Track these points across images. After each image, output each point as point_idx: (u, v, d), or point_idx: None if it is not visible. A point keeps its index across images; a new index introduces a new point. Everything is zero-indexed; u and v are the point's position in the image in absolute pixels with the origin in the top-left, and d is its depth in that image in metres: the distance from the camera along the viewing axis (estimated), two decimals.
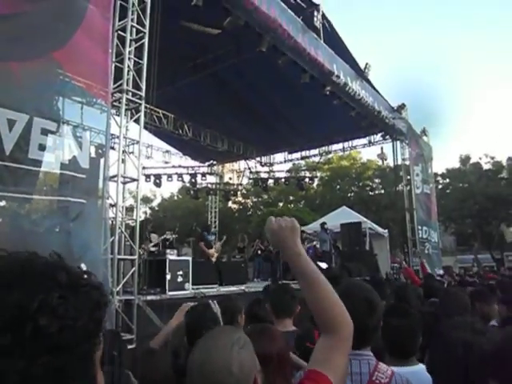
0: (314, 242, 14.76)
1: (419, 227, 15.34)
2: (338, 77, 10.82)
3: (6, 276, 0.59)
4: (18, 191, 4.78)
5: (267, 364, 1.30)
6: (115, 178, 6.32)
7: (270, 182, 20.99)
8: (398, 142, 16.45)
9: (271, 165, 20.93)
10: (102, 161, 6.13)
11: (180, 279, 7.84)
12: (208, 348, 1.12)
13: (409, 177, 16.07)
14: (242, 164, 21.45)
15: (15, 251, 0.64)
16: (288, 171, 22.67)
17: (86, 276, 0.68)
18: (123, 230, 6.46)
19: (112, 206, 6.28)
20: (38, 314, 0.57)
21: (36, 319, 0.56)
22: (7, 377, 0.53)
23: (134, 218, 6.94)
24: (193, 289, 8.02)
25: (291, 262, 1.27)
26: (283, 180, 20.98)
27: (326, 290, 1.23)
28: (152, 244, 9.46)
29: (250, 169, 20.87)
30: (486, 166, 31.99)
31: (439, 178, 32.48)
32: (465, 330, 1.67)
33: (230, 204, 32.36)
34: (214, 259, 11.22)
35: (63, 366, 0.58)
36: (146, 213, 37.44)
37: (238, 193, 24.13)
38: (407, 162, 16.37)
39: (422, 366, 2.10)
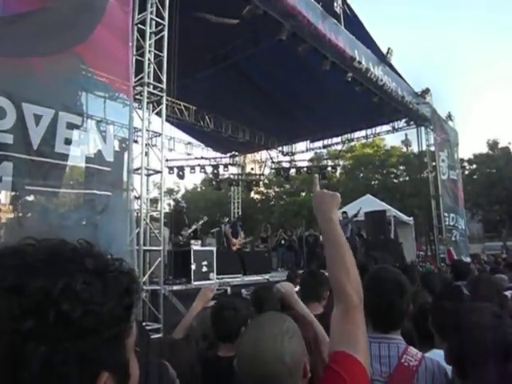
0: None
1: (446, 214, 15.02)
2: (359, 62, 10.64)
3: (32, 262, 0.59)
4: (45, 185, 4.89)
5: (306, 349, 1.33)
6: (139, 171, 6.41)
7: (292, 171, 20.88)
8: (423, 128, 16.14)
9: (293, 154, 20.82)
10: (125, 154, 6.21)
11: (205, 269, 7.92)
12: (258, 338, 1.11)
13: (434, 163, 15.72)
14: (263, 154, 21.42)
15: (44, 238, 0.65)
16: (310, 160, 22.60)
17: (115, 262, 0.68)
18: (148, 221, 6.56)
19: (137, 198, 6.37)
20: (61, 299, 0.57)
21: (59, 304, 0.56)
22: (30, 360, 0.54)
23: (159, 209, 7.03)
24: (217, 278, 8.10)
25: (322, 223, 1.37)
26: (305, 169, 20.87)
27: (344, 256, 1.29)
28: (191, 230, 9.56)
29: (271, 159, 20.82)
30: None
31: (466, 164, 31.79)
32: (485, 314, 1.64)
33: (252, 194, 32.43)
34: (234, 248, 11.35)
35: (87, 352, 0.58)
36: (169, 205, 37.85)
37: (260, 183, 24.12)
38: (432, 148, 16.03)
39: None
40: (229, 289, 7.18)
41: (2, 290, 0.56)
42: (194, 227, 9.92)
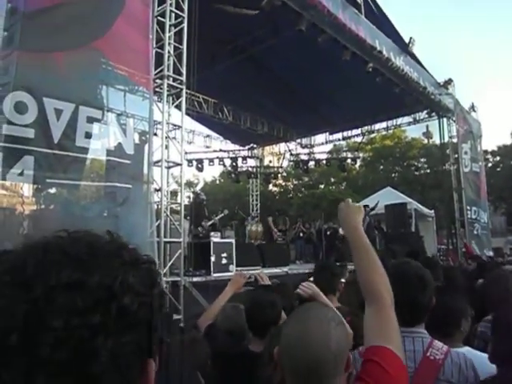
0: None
1: (468, 207, 14.73)
2: (380, 52, 10.45)
3: (79, 258, 0.60)
4: (66, 178, 4.95)
5: None
6: (159, 163, 6.44)
7: (311, 163, 20.70)
8: (445, 119, 15.78)
9: (312, 146, 20.65)
10: (145, 147, 6.24)
11: (224, 261, 7.96)
12: (305, 322, 1.12)
13: (456, 155, 15.40)
14: (282, 146, 21.31)
15: (74, 231, 0.66)
16: (329, 152, 22.35)
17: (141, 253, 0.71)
18: (168, 213, 6.60)
19: (157, 190, 6.41)
20: (121, 293, 0.59)
21: (119, 298, 0.59)
22: (100, 355, 0.56)
23: (179, 201, 7.08)
24: (237, 270, 8.12)
25: (348, 233, 1.49)
26: (324, 162, 20.69)
27: (373, 259, 1.38)
28: (210, 222, 9.63)
29: (290, 151, 20.70)
30: None
31: (489, 156, 31.13)
32: None
33: (270, 187, 32.38)
34: (275, 236, 12.16)
35: (142, 342, 0.62)
36: (189, 197, 38.14)
37: (279, 175, 24.03)
38: (454, 140, 15.67)
39: (466, 349, 2.04)
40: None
41: (60, 287, 0.57)
42: (215, 219, 9.96)
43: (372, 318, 1.26)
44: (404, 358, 1.21)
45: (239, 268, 8.27)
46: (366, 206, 13.97)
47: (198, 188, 41.60)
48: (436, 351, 1.70)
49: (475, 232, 14.94)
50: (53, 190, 5.52)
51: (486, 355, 1.75)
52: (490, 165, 30.46)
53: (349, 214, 1.54)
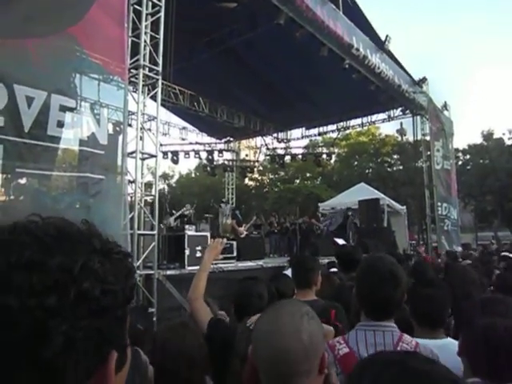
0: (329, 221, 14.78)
1: (439, 204, 15.11)
2: (357, 49, 10.55)
3: (45, 240, 0.59)
4: (37, 168, 4.83)
5: None
6: (133, 155, 6.34)
7: (287, 158, 20.84)
8: (419, 117, 16.10)
9: (288, 141, 20.74)
10: (120, 138, 6.14)
11: (198, 254, 7.91)
12: (278, 315, 1.11)
13: (429, 152, 15.73)
14: (258, 140, 21.32)
15: (48, 217, 0.64)
16: (305, 147, 22.51)
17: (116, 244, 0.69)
18: (142, 205, 6.52)
19: (131, 182, 6.32)
20: (81, 278, 0.57)
21: (79, 282, 0.57)
22: (53, 337, 0.54)
23: (153, 193, 7.00)
24: (211, 264, 8.10)
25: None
26: (300, 156, 20.82)
27: None
28: (173, 218, 9.50)
29: (266, 145, 20.74)
30: (508, 142, 31.28)
31: (460, 154, 31.93)
32: (486, 312, 1.63)
33: (246, 181, 32.39)
34: (242, 236, 11.53)
35: (103, 329, 0.60)
36: (163, 189, 37.83)
37: (255, 169, 24.04)
38: (427, 138, 16.01)
39: (449, 340, 2.09)
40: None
41: (20, 266, 0.55)
42: (176, 214, 9.84)
43: None
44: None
45: (214, 261, 8.25)
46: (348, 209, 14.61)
47: (172, 180, 41.30)
48: (406, 345, 1.72)
49: (445, 228, 15.35)
50: (23, 181, 5.38)
51: None
52: (460, 163, 31.23)
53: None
